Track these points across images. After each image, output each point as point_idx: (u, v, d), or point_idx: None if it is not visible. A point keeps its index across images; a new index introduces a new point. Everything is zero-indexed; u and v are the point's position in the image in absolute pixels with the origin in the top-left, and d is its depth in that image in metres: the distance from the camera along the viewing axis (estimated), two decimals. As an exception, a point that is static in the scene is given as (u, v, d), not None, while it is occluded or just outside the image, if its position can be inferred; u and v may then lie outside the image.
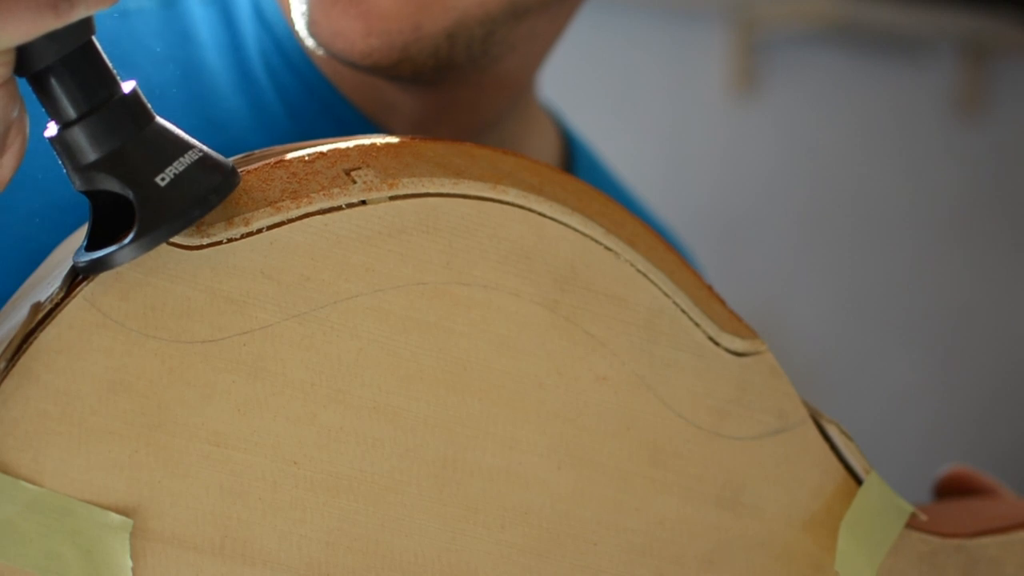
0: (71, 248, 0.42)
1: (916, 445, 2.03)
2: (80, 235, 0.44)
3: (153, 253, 0.38)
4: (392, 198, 0.41)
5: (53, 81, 0.36)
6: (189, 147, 0.38)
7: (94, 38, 0.37)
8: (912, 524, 0.49)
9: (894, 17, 1.98)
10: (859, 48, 2.07)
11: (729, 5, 1.93)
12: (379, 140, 0.43)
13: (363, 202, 0.41)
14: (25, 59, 0.36)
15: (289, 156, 0.41)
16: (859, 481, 0.48)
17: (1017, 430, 2.21)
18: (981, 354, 2.21)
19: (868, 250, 2.12)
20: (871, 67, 2.09)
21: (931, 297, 2.18)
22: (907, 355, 2.10)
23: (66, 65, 0.36)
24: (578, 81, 1.79)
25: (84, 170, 0.37)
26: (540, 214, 0.43)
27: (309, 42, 0.52)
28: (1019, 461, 2.15)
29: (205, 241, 0.39)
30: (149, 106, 0.38)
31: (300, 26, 0.52)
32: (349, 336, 0.40)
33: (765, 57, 2.01)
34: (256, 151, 0.43)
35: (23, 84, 0.37)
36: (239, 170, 0.40)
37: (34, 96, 0.38)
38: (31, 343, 0.37)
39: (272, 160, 0.41)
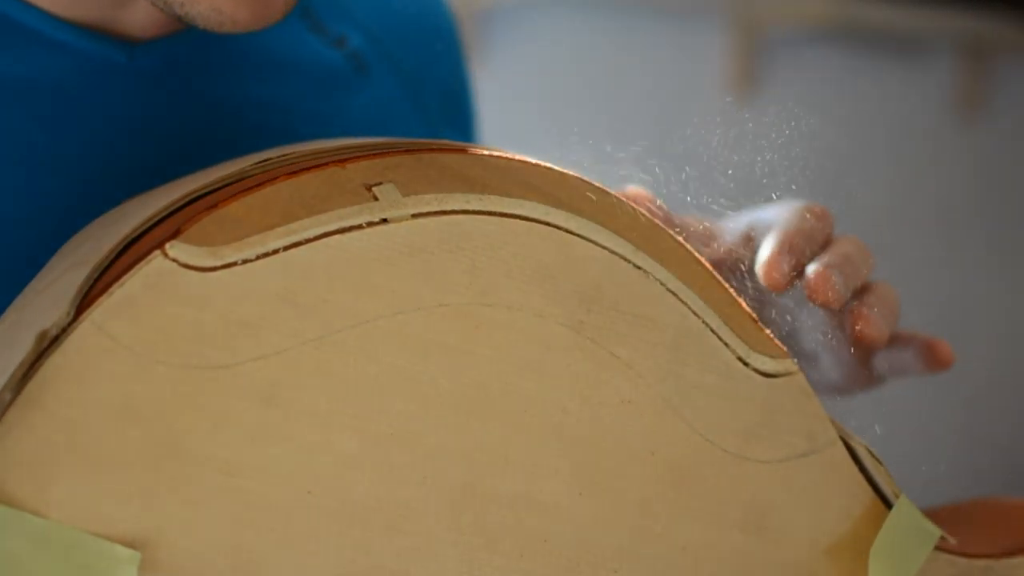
0: (72, 262, 0.41)
1: (915, 445, 2.03)
2: (81, 241, 0.43)
3: (165, 276, 0.37)
4: (414, 215, 0.40)
5: None
6: None
7: None
8: (939, 546, 0.48)
9: (894, 17, 1.98)
10: (859, 48, 2.07)
11: (729, 5, 1.93)
12: (400, 149, 0.42)
13: (384, 220, 0.39)
14: None
15: (307, 168, 0.40)
16: (888, 504, 0.47)
17: (1017, 430, 2.21)
18: (981, 354, 2.21)
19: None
20: (871, 67, 2.09)
21: (930, 297, 2.18)
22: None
23: None
24: (578, 81, 1.79)
25: None
26: (567, 231, 0.42)
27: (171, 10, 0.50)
28: (1019, 461, 2.15)
29: (219, 263, 0.38)
30: None
31: None
32: (367, 360, 0.39)
33: (765, 57, 2.01)
34: (273, 156, 0.42)
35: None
36: (256, 178, 0.39)
37: None
38: (37, 370, 0.36)
39: (288, 173, 0.40)
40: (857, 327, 0.49)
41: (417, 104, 0.64)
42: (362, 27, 0.63)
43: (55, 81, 0.53)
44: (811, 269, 0.48)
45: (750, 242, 0.51)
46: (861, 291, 0.51)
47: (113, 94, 0.53)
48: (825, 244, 0.51)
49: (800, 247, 0.50)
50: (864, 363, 0.54)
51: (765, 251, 0.50)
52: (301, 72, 0.60)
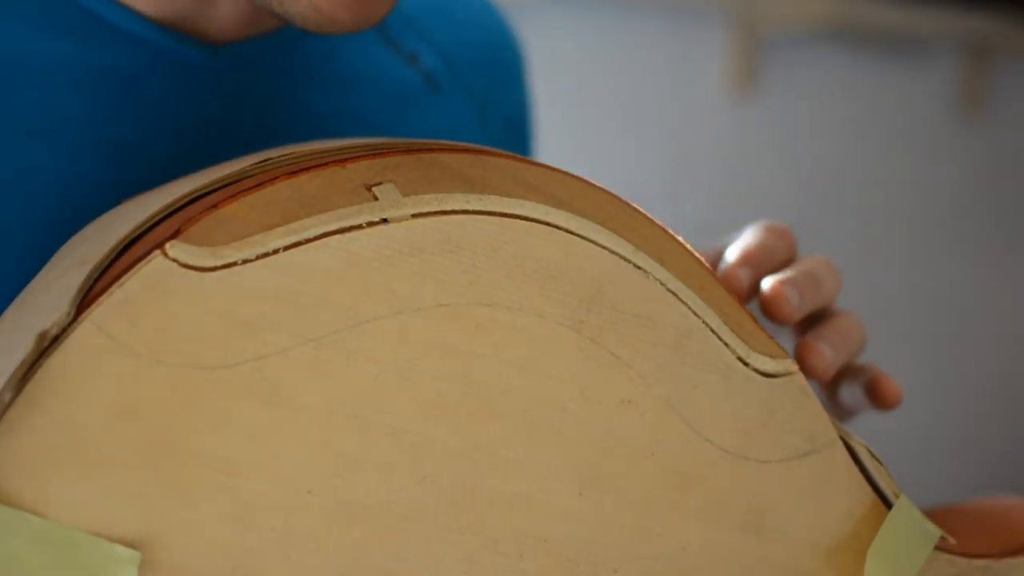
0: (72, 261, 0.40)
1: (914, 445, 2.03)
2: (81, 241, 0.43)
3: (165, 275, 0.37)
4: (415, 215, 0.40)
5: None
6: None
7: None
8: (939, 546, 0.48)
9: (894, 17, 1.98)
10: (859, 48, 2.07)
11: (729, 5, 1.93)
12: (400, 149, 0.42)
13: (384, 220, 0.39)
14: None
15: (307, 167, 0.40)
16: (888, 505, 0.47)
17: (1017, 430, 2.21)
18: (981, 353, 2.21)
19: (867, 249, 2.12)
20: (871, 67, 2.08)
21: (931, 296, 2.18)
22: (906, 354, 2.10)
23: None
24: (578, 81, 1.79)
25: None
26: (567, 231, 0.41)
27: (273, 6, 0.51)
28: (1019, 461, 2.15)
29: (219, 263, 0.37)
30: None
31: None
32: (367, 360, 0.39)
33: (765, 57, 2.01)
34: (273, 156, 0.42)
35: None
36: (255, 181, 0.39)
37: None
38: (37, 370, 0.36)
39: (289, 172, 0.40)
40: (801, 357, 0.48)
41: (484, 127, 0.65)
42: (435, 46, 0.64)
43: (130, 74, 0.53)
44: (766, 283, 0.48)
45: (719, 262, 0.51)
46: (820, 318, 0.51)
47: (189, 92, 0.53)
48: (788, 262, 0.51)
49: (757, 260, 0.49)
50: (829, 394, 0.54)
51: (723, 265, 0.49)
52: (375, 85, 0.60)
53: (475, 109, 0.64)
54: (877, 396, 0.52)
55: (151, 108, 0.53)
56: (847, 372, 0.53)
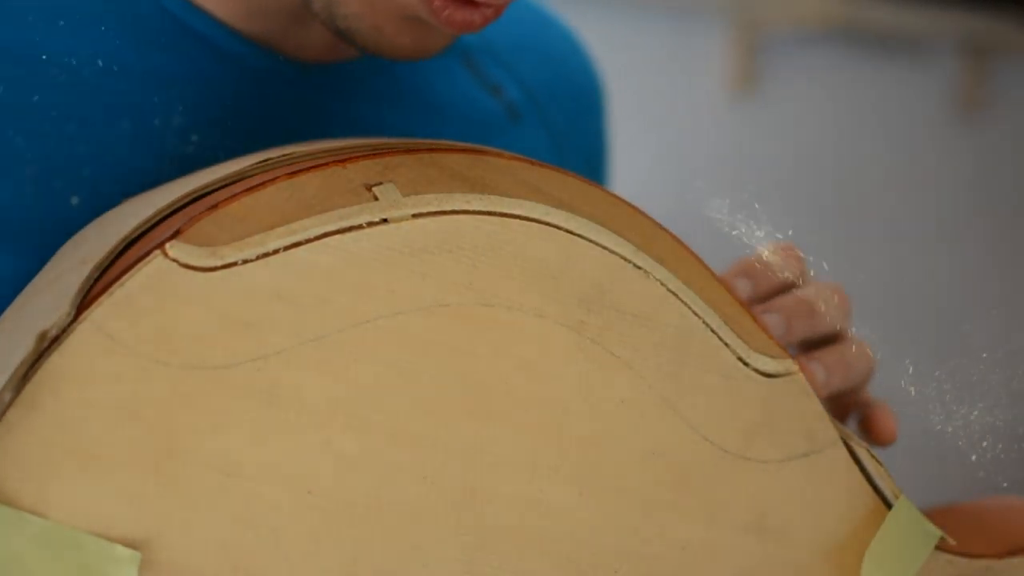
0: (72, 262, 0.40)
1: (914, 445, 2.02)
2: (81, 241, 0.43)
3: (165, 275, 0.37)
4: (415, 215, 0.40)
5: None
6: None
7: None
8: (939, 546, 0.48)
9: (894, 17, 1.98)
10: (859, 48, 2.07)
11: (729, 5, 1.93)
12: (401, 149, 0.42)
13: (384, 220, 0.39)
14: None
15: (308, 167, 0.40)
16: (888, 505, 0.47)
17: (1017, 430, 2.21)
18: (980, 353, 2.20)
19: (867, 249, 2.12)
20: (871, 67, 2.08)
21: (930, 296, 2.18)
22: (906, 354, 2.10)
23: None
24: (577, 81, 1.78)
25: None
26: (567, 231, 0.41)
27: (353, 34, 0.51)
28: (1019, 462, 2.14)
29: (219, 263, 0.37)
30: None
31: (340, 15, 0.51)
32: (367, 360, 0.39)
33: (766, 57, 2.01)
34: (273, 156, 0.42)
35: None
36: (255, 181, 0.39)
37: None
38: (37, 370, 0.36)
39: (289, 172, 0.40)
40: None
41: (562, 161, 0.65)
42: (518, 79, 0.64)
43: (214, 86, 0.53)
44: (757, 310, 0.48)
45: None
46: (824, 342, 0.50)
47: (272, 108, 0.54)
48: (792, 284, 0.50)
49: (757, 273, 0.49)
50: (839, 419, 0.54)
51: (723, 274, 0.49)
52: (458, 113, 0.61)
53: (553, 143, 0.65)
54: (871, 432, 0.52)
55: (239, 122, 0.53)
56: (851, 402, 0.52)
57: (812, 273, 0.52)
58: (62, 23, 0.52)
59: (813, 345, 0.50)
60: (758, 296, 0.49)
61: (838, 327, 0.50)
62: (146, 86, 0.52)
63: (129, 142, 0.51)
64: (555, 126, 0.65)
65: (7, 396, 0.35)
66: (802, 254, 0.52)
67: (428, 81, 0.60)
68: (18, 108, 0.50)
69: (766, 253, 0.50)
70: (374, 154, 0.41)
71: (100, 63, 0.52)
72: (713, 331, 0.44)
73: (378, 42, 0.50)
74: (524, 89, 0.64)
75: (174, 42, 0.53)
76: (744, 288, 0.48)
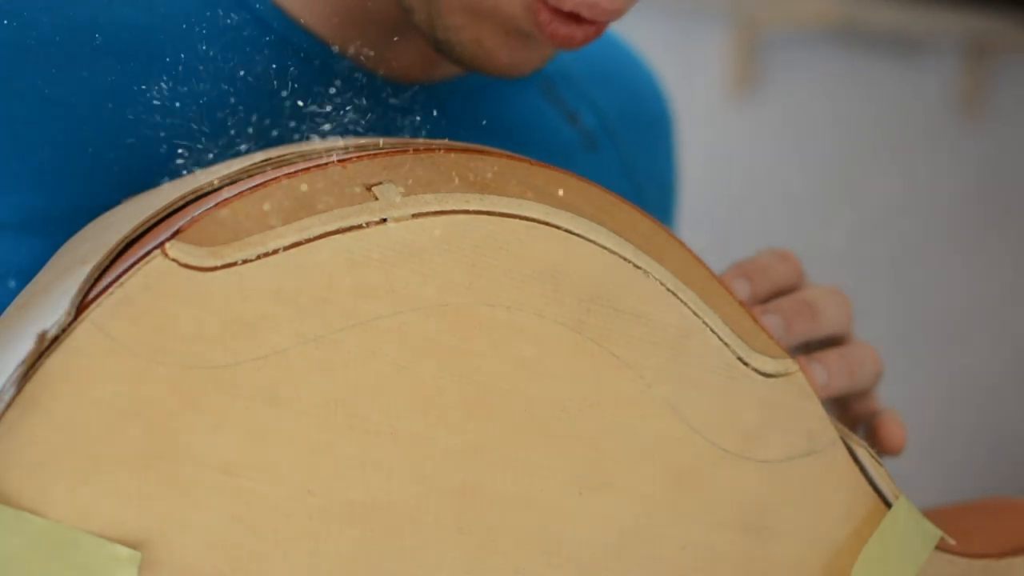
0: (72, 261, 0.40)
1: (913, 445, 2.02)
2: (81, 241, 0.43)
3: (165, 275, 0.37)
4: (415, 215, 0.40)
5: None
6: None
7: None
8: (939, 546, 0.48)
9: (894, 17, 1.98)
10: (859, 48, 2.07)
11: (730, 5, 1.93)
12: (401, 149, 0.42)
13: (384, 220, 0.39)
14: None
15: (308, 168, 0.40)
16: (888, 505, 0.47)
17: (1017, 430, 2.21)
18: (980, 352, 2.20)
19: (867, 249, 2.12)
20: (871, 67, 2.08)
21: (930, 296, 2.18)
22: (906, 354, 2.10)
23: None
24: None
25: None
26: (567, 231, 0.41)
27: (452, 49, 0.52)
28: (1018, 462, 2.14)
29: (219, 263, 0.37)
30: None
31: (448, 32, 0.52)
32: (367, 360, 0.39)
33: (766, 57, 2.01)
34: (273, 156, 0.42)
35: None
36: (255, 181, 0.39)
37: None
38: (37, 370, 0.36)
39: (289, 172, 0.40)
40: None
41: (637, 191, 0.66)
42: (594, 107, 0.65)
43: (299, 90, 0.53)
44: (756, 311, 0.48)
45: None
46: (827, 344, 0.50)
47: (349, 121, 0.54)
48: (791, 288, 0.50)
49: (754, 275, 0.49)
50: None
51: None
52: (538, 140, 0.61)
53: (627, 170, 0.66)
54: (878, 441, 0.52)
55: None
56: (859, 408, 0.52)
57: (810, 277, 0.52)
58: (158, 14, 0.52)
59: (816, 347, 0.50)
60: (757, 297, 0.49)
61: (840, 329, 0.50)
62: (231, 89, 0.52)
63: (205, 140, 0.51)
64: (629, 154, 0.66)
65: (7, 396, 0.35)
66: (799, 258, 0.52)
67: (511, 107, 0.61)
68: (100, 90, 0.50)
69: (764, 256, 0.50)
70: (374, 154, 0.41)
71: (184, 58, 0.52)
72: (713, 331, 0.43)
73: (476, 55, 0.51)
74: (600, 118, 0.65)
75: (267, 50, 0.54)
76: (743, 289, 0.48)
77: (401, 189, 0.40)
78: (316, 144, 0.44)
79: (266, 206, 0.39)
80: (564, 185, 0.43)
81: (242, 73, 0.53)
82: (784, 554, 0.45)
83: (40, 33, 0.51)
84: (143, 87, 0.51)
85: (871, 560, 0.46)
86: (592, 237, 0.42)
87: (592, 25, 0.51)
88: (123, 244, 0.39)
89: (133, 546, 0.36)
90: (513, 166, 0.42)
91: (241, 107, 0.52)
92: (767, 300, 0.49)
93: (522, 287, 0.41)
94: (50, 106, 0.50)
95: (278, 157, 0.42)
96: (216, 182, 0.41)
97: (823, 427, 0.45)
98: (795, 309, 0.48)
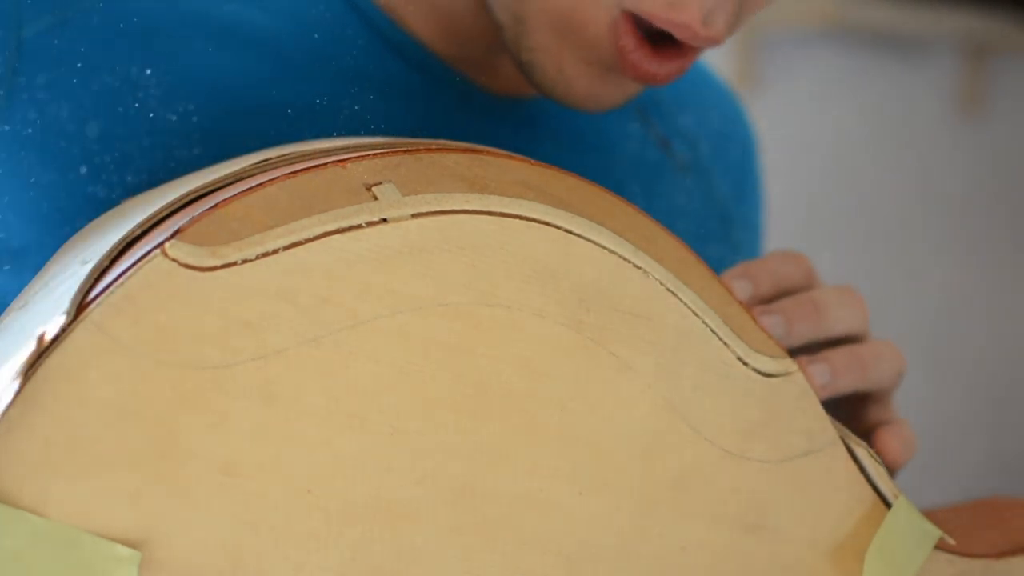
0: (72, 261, 0.40)
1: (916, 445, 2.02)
2: (81, 241, 0.43)
3: (165, 275, 0.37)
4: (414, 215, 0.40)
5: None
6: None
7: None
8: (939, 546, 0.48)
9: (894, 17, 1.98)
10: (859, 48, 2.06)
11: (729, 4, 1.92)
12: (400, 149, 0.42)
13: (384, 220, 0.39)
14: None
15: (307, 168, 0.40)
16: (888, 505, 0.47)
17: (1017, 430, 2.21)
18: (981, 353, 2.20)
19: (867, 249, 2.12)
20: (871, 67, 2.08)
21: (930, 296, 2.18)
22: (906, 354, 2.10)
23: None
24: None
25: None
26: (567, 231, 0.41)
27: (538, 81, 0.52)
28: (1018, 463, 2.14)
29: (219, 263, 0.37)
30: None
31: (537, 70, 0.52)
32: (367, 360, 0.39)
33: (765, 56, 2.01)
34: (273, 156, 0.42)
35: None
36: (255, 181, 0.39)
37: None
38: (37, 370, 0.36)
39: (289, 172, 0.40)
40: None
41: (725, 225, 0.66)
42: (684, 134, 0.65)
43: (401, 99, 0.54)
44: (756, 309, 0.47)
45: None
46: (837, 344, 0.49)
47: (454, 132, 0.54)
48: (801, 289, 0.50)
49: (758, 275, 0.48)
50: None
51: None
52: (630, 163, 0.62)
53: (716, 195, 0.66)
54: (878, 451, 0.51)
55: (405, 127, 0.54)
56: (873, 413, 0.51)
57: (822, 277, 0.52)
58: (268, 11, 0.53)
59: (824, 346, 0.50)
60: (760, 297, 0.48)
61: (852, 329, 0.49)
62: (330, 84, 0.52)
63: (298, 130, 0.51)
64: (717, 179, 0.67)
65: (7, 396, 0.35)
66: (809, 260, 0.51)
67: (604, 128, 0.61)
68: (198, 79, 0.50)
69: (771, 257, 0.50)
70: (374, 154, 0.41)
71: (294, 56, 0.52)
72: (713, 331, 0.43)
73: (555, 81, 0.51)
74: (689, 144, 0.65)
75: (371, 51, 0.54)
76: (744, 289, 0.48)
77: (401, 189, 0.40)
78: (316, 144, 0.44)
79: (266, 206, 0.39)
80: (564, 185, 0.43)
81: (340, 71, 0.53)
82: (784, 554, 0.45)
83: (146, 20, 0.51)
84: (252, 82, 0.51)
85: (875, 560, 0.46)
86: (592, 237, 0.42)
87: (676, 61, 0.50)
88: (123, 244, 0.39)
89: (133, 546, 0.36)
90: (513, 166, 0.42)
91: (326, 98, 0.52)
92: (771, 300, 0.49)
93: (522, 287, 0.41)
94: (150, 91, 0.50)
95: (278, 157, 0.42)
96: (216, 182, 0.41)
97: (823, 427, 0.45)
98: (798, 309, 0.48)
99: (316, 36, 0.53)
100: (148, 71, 0.50)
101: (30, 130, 0.49)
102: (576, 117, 0.59)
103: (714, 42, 0.50)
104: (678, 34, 0.49)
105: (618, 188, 0.59)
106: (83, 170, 0.50)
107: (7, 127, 0.49)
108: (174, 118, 0.50)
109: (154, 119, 0.50)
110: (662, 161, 0.64)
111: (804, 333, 0.47)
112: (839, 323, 0.49)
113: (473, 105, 0.56)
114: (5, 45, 0.49)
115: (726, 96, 0.72)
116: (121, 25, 0.50)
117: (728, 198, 0.67)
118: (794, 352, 0.47)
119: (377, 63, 0.54)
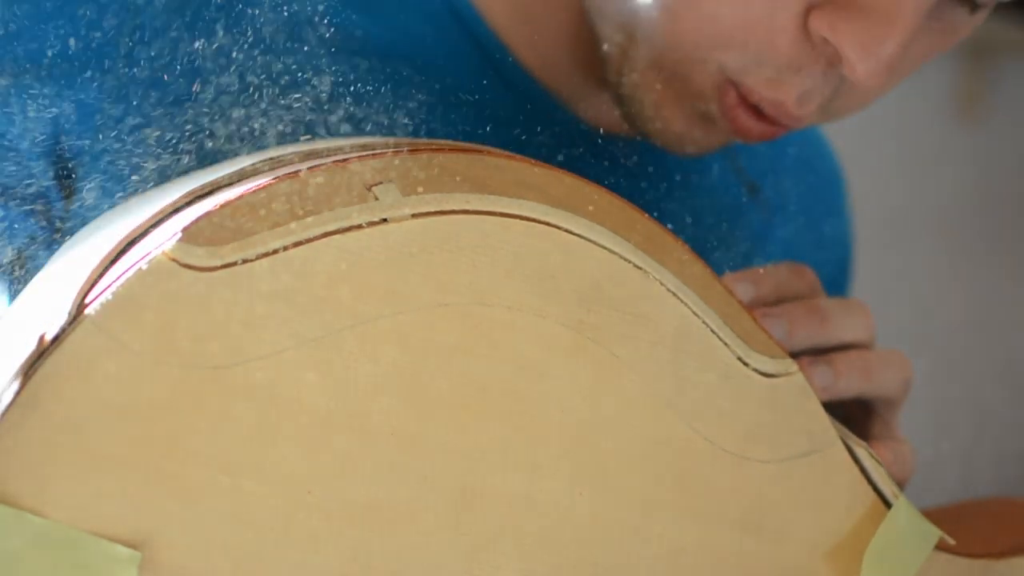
0: (72, 261, 0.41)
1: (916, 445, 2.02)
2: (81, 241, 0.43)
3: (165, 275, 0.37)
4: (415, 215, 0.40)
5: None
6: None
7: None
8: (939, 546, 0.48)
9: (894, 17, 1.97)
10: (859, 48, 2.06)
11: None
12: (401, 149, 0.42)
13: (384, 220, 0.39)
14: None
15: (307, 168, 0.40)
16: (888, 505, 0.47)
17: (1017, 431, 2.21)
18: (981, 355, 2.20)
19: (867, 249, 2.12)
20: (871, 67, 2.08)
21: (930, 297, 2.18)
22: (904, 352, 2.10)
23: None
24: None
25: None
26: (567, 231, 0.41)
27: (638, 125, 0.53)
28: (1018, 463, 2.15)
29: (219, 263, 0.37)
30: None
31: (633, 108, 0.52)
32: (367, 360, 0.39)
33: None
34: (274, 156, 0.42)
35: None
36: (255, 181, 0.39)
37: None
38: (37, 370, 0.36)
39: (289, 173, 0.40)
40: None
41: (815, 258, 0.65)
42: (773, 177, 0.66)
43: (500, 118, 0.54)
44: (758, 312, 0.48)
45: None
46: (841, 348, 0.50)
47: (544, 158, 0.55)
48: (799, 295, 0.50)
49: (759, 281, 0.49)
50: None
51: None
52: (719, 205, 0.62)
53: (802, 238, 0.67)
54: None
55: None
56: (874, 429, 0.51)
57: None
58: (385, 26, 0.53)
59: (828, 351, 0.50)
60: (761, 300, 0.48)
61: (856, 339, 0.49)
62: (435, 102, 0.53)
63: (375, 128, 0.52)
64: (805, 223, 0.67)
65: (8, 396, 0.35)
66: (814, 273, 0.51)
67: (696, 169, 0.61)
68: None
69: (776, 267, 0.50)
70: (374, 154, 0.41)
71: (399, 61, 0.53)
72: (713, 331, 0.43)
73: (652, 119, 0.52)
74: (779, 190, 0.66)
75: (477, 73, 0.54)
76: (746, 292, 0.48)
77: (401, 189, 0.40)
78: (316, 144, 0.44)
79: (266, 206, 0.39)
80: (564, 185, 0.43)
81: (445, 89, 0.53)
82: (784, 554, 0.45)
83: (269, 27, 0.51)
84: (366, 90, 0.51)
85: (874, 560, 0.46)
86: (592, 237, 0.42)
87: (771, 127, 0.51)
88: (123, 244, 0.39)
89: (133, 546, 0.36)
90: (513, 166, 0.42)
91: (429, 115, 0.52)
92: (773, 303, 0.49)
93: (522, 287, 0.41)
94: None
95: (278, 157, 0.42)
96: (217, 182, 0.41)
97: (823, 427, 0.45)
98: (801, 313, 0.48)
99: (424, 52, 0.54)
100: (261, 77, 0.51)
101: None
102: (668, 156, 0.59)
103: (800, 123, 0.52)
104: (770, 111, 0.50)
105: (706, 229, 0.60)
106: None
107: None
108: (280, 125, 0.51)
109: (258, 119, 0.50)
110: (751, 206, 0.64)
111: (806, 337, 0.48)
112: (843, 330, 0.49)
113: (573, 138, 0.56)
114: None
115: (815, 138, 0.72)
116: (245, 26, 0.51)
117: (817, 234, 0.68)
118: (800, 357, 0.47)
119: (481, 85, 0.55)
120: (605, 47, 0.52)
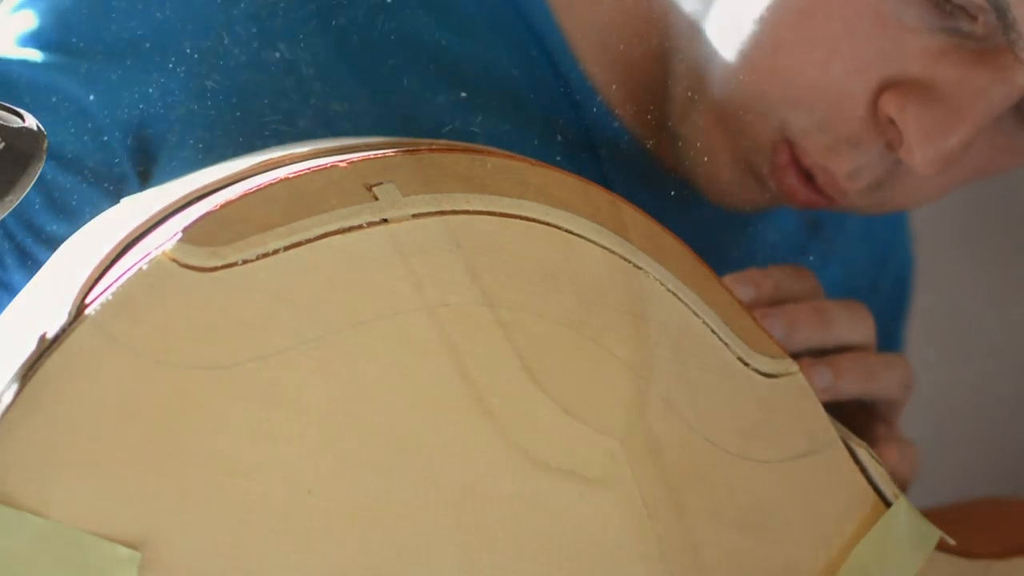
0: (72, 261, 0.41)
1: (916, 445, 2.02)
2: (80, 244, 0.43)
3: (166, 276, 0.37)
4: (415, 215, 0.40)
5: None
6: None
7: None
8: (939, 546, 0.48)
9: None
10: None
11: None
12: (401, 149, 0.42)
13: (384, 220, 0.39)
14: None
15: (308, 168, 0.40)
16: (888, 505, 0.47)
17: (1018, 431, 2.21)
18: (982, 355, 2.21)
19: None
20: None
21: (930, 297, 2.18)
22: (907, 351, 2.10)
23: None
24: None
25: None
26: (567, 231, 0.41)
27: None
28: (1018, 464, 2.14)
29: (219, 263, 0.37)
30: None
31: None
32: (367, 360, 0.39)
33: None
34: (273, 156, 0.42)
35: None
36: (255, 181, 0.39)
37: None
38: (37, 370, 0.36)
39: (289, 173, 0.40)
40: None
41: (873, 280, 0.67)
42: (845, 262, 0.65)
43: (575, 149, 0.54)
44: (759, 312, 0.48)
45: None
46: (843, 350, 0.50)
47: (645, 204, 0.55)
48: (799, 298, 0.50)
49: (760, 282, 0.49)
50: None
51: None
52: (779, 243, 0.62)
53: (856, 277, 0.66)
54: None
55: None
56: (875, 432, 0.51)
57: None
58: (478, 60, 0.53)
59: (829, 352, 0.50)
60: (761, 301, 0.48)
61: (857, 341, 0.50)
62: (513, 125, 0.53)
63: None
64: (860, 262, 0.67)
65: (8, 396, 0.35)
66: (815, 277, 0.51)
67: (769, 230, 0.61)
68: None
69: (778, 269, 0.50)
70: (374, 154, 0.41)
71: (480, 80, 0.53)
72: (713, 331, 0.44)
73: (701, 163, 0.52)
74: (848, 271, 0.65)
75: (555, 100, 0.54)
76: (746, 292, 0.48)
77: (401, 189, 0.40)
78: (317, 144, 0.44)
79: (266, 206, 0.39)
80: (564, 185, 0.43)
81: (528, 117, 0.53)
82: (784, 554, 0.45)
83: (361, 37, 0.51)
84: (443, 107, 0.51)
85: (874, 560, 0.46)
86: (592, 237, 0.42)
87: (816, 195, 0.51)
88: (123, 244, 0.39)
89: (133, 546, 0.36)
90: (513, 166, 0.42)
91: (506, 138, 0.52)
92: (774, 304, 0.49)
93: (522, 287, 0.41)
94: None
95: (278, 158, 0.42)
96: (217, 182, 0.41)
97: (823, 427, 0.46)
98: (802, 314, 0.48)
99: (506, 73, 0.54)
100: (355, 92, 0.51)
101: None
102: (749, 219, 0.60)
103: (846, 198, 0.51)
104: (820, 178, 0.50)
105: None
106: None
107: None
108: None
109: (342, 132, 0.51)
110: (810, 242, 0.63)
111: (806, 338, 0.48)
112: (844, 332, 0.49)
113: (644, 174, 0.56)
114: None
115: (901, 236, 0.72)
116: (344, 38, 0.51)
117: (868, 281, 0.68)
118: (801, 358, 0.47)
119: (557, 114, 0.54)
120: (675, 86, 0.53)
